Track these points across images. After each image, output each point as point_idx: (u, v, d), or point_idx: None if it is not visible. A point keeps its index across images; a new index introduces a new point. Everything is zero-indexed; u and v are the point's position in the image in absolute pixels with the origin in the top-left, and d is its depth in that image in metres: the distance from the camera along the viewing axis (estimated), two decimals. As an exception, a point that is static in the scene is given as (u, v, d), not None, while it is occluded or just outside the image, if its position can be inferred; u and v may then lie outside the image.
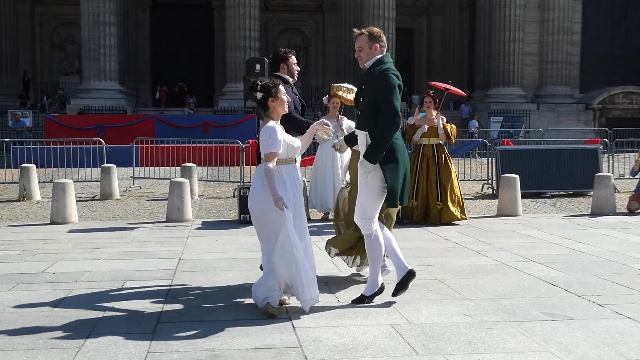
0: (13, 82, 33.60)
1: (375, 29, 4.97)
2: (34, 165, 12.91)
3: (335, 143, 5.36)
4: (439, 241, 7.86)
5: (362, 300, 4.98)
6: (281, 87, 4.89)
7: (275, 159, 4.69)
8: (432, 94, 9.51)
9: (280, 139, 4.72)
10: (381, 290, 5.04)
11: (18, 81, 33.81)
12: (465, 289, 5.45)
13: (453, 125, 9.57)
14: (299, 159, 4.99)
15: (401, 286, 4.99)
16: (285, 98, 4.88)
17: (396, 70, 4.88)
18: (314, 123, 5.17)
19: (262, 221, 4.76)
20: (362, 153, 4.92)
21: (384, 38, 4.98)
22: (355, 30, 5.01)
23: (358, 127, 5.01)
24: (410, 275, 4.99)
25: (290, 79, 5.92)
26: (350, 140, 5.30)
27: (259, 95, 4.81)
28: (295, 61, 6.01)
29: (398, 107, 4.77)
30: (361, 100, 4.95)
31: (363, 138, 4.94)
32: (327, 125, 5.05)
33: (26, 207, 11.42)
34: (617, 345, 4.06)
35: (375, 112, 4.80)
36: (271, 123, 4.78)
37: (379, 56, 4.91)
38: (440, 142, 9.38)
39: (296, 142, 4.90)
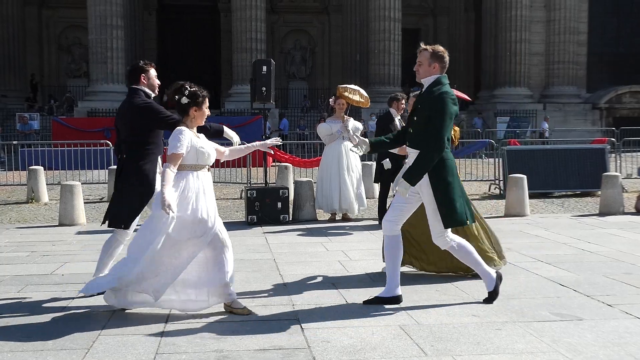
0: (21, 85, 33.80)
1: (440, 48, 4.90)
2: (42, 168, 12.98)
3: (353, 147, 5.16)
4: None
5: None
6: (206, 100, 4.83)
7: (178, 162, 4.63)
8: None
9: (186, 143, 4.65)
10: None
11: (26, 84, 34.02)
12: (474, 289, 5.44)
13: (456, 128, 9.51)
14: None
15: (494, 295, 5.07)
16: (207, 112, 4.86)
17: (454, 95, 4.85)
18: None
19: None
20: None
21: (447, 59, 4.91)
22: (422, 44, 4.96)
23: (410, 145, 4.95)
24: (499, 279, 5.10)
25: (152, 93, 5.48)
26: (376, 146, 5.21)
27: (184, 100, 4.72)
28: (155, 74, 5.55)
29: (447, 135, 4.75)
30: (415, 119, 4.91)
31: (414, 156, 4.87)
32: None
33: (34, 209, 11.47)
34: (627, 345, 4.04)
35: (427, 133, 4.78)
36: (183, 127, 4.74)
37: (436, 76, 4.86)
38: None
39: (209, 149, 4.80)
